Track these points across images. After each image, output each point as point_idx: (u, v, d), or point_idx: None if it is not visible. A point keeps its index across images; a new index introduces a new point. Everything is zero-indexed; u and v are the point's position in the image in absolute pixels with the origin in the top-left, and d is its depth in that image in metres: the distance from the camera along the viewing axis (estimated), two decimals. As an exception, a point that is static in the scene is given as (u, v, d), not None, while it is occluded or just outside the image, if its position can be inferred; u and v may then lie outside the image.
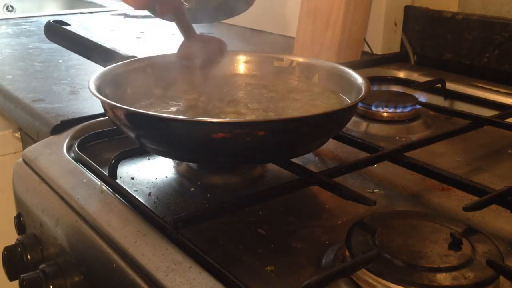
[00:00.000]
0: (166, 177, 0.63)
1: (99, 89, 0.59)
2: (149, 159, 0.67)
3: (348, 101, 0.66)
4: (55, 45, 0.87)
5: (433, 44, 1.06)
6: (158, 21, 1.55)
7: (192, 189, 0.60)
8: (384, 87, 0.97)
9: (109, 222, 0.51)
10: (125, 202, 0.54)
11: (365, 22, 1.06)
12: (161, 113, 0.60)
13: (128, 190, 0.55)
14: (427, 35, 1.07)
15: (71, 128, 0.72)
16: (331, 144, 0.69)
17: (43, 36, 0.84)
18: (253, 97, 0.67)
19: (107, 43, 1.12)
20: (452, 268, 0.41)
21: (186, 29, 0.70)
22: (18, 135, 0.93)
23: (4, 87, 0.89)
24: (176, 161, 0.66)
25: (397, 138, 0.77)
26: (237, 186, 0.61)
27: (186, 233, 0.47)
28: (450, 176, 0.58)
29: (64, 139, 0.69)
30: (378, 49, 1.09)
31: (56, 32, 0.82)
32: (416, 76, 1.00)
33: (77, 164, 0.63)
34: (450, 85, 0.92)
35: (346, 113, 0.58)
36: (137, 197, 0.54)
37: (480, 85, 0.93)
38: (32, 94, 0.85)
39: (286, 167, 0.59)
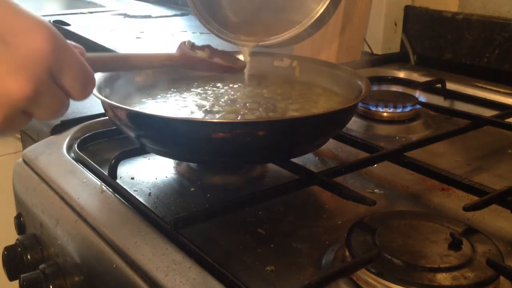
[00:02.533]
0: (166, 177, 0.63)
1: (99, 89, 0.59)
2: (149, 159, 0.67)
3: (348, 101, 0.66)
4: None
5: (433, 44, 1.06)
6: (158, 21, 1.55)
7: (192, 189, 0.60)
8: (384, 87, 0.97)
9: (109, 222, 0.51)
10: (125, 202, 0.54)
11: (365, 22, 1.06)
12: (161, 113, 0.60)
13: (128, 190, 0.55)
14: (427, 35, 1.07)
15: (71, 128, 0.72)
16: (331, 144, 0.69)
17: (43, 36, 0.83)
18: (253, 97, 0.67)
19: (107, 43, 1.12)
20: (452, 268, 0.41)
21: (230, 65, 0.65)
22: (18, 135, 0.93)
23: (4, 87, 0.89)
24: (176, 161, 0.66)
25: (397, 138, 0.77)
26: (237, 186, 0.61)
27: (186, 233, 0.47)
28: (450, 176, 0.58)
29: (64, 139, 0.69)
30: (378, 49, 1.09)
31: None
32: (416, 76, 1.00)
33: (77, 164, 0.63)
34: (450, 85, 0.92)
35: (346, 113, 0.58)
36: (137, 197, 0.54)
37: (480, 85, 0.93)
38: (32, 94, 0.84)
39: (286, 167, 0.59)
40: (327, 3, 0.63)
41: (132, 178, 0.62)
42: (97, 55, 0.50)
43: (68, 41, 0.39)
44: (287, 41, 0.67)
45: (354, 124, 0.80)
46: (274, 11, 0.73)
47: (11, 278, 0.63)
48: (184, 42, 0.61)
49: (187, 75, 0.72)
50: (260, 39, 0.68)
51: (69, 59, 0.38)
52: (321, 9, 0.63)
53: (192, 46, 0.61)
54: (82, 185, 0.58)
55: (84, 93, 0.40)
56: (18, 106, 0.35)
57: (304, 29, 0.64)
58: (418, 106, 0.83)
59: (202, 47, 0.62)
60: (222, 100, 0.66)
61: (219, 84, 0.72)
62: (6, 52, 0.34)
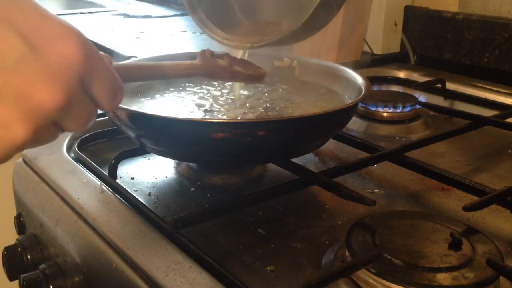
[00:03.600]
0: (166, 177, 0.63)
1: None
2: (149, 159, 0.67)
3: (348, 101, 0.66)
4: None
5: (433, 44, 1.06)
6: (158, 21, 1.55)
7: (192, 189, 0.60)
8: (384, 87, 0.97)
9: (109, 222, 0.51)
10: (125, 202, 0.54)
11: (365, 22, 1.06)
12: (161, 113, 0.60)
13: (128, 190, 0.55)
14: (427, 35, 1.07)
15: (71, 128, 0.72)
16: (331, 144, 0.69)
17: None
18: (253, 97, 0.67)
19: (107, 43, 1.12)
20: (452, 268, 0.41)
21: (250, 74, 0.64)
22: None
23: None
24: (176, 161, 0.66)
25: (397, 138, 0.77)
26: (237, 186, 0.61)
27: (186, 233, 0.47)
28: (450, 176, 0.58)
29: (64, 139, 0.69)
30: (378, 49, 1.09)
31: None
32: (416, 76, 1.00)
33: (77, 164, 0.63)
34: (450, 85, 0.92)
35: (346, 113, 0.58)
36: (137, 197, 0.54)
37: (480, 85, 0.93)
38: (32, 94, 0.84)
39: (286, 167, 0.59)
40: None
41: (132, 178, 0.62)
42: (122, 65, 0.48)
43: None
44: (281, 40, 0.66)
45: (354, 124, 0.80)
46: (273, 10, 0.73)
47: (11, 278, 0.63)
48: (204, 51, 0.61)
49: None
50: (254, 41, 0.68)
51: (99, 68, 0.36)
52: (313, 6, 0.62)
53: (212, 54, 0.61)
54: (82, 185, 0.58)
55: (114, 103, 0.38)
56: (49, 117, 0.33)
57: (297, 28, 0.64)
58: (418, 106, 0.83)
59: (221, 55, 0.62)
60: (221, 99, 0.66)
61: (216, 83, 0.72)
62: (37, 59, 0.32)
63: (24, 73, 0.32)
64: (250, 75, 0.64)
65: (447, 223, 0.48)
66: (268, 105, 0.64)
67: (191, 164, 0.64)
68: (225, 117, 0.61)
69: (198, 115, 0.61)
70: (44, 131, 0.34)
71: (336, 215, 0.55)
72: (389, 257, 0.42)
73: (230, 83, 0.71)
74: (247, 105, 0.64)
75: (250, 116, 0.61)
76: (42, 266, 0.58)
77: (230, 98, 0.67)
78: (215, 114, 0.62)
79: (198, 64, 0.59)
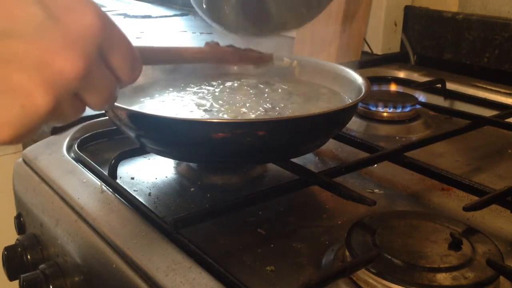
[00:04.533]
0: (166, 177, 0.63)
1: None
2: (149, 159, 0.67)
3: (348, 101, 0.66)
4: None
5: (433, 44, 1.06)
6: (158, 21, 1.55)
7: (192, 189, 0.60)
8: (384, 87, 0.97)
9: (109, 222, 0.51)
10: (125, 202, 0.54)
11: (365, 22, 1.06)
12: (161, 112, 0.60)
13: (128, 190, 0.55)
14: (427, 35, 1.07)
15: (71, 128, 0.72)
16: (331, 144, 0.69)
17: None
18: (253, 97, 0.67)
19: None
20: (452, 268, 0.41)
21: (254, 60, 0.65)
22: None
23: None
24: (176, 161, 0.66)
25: (397, 138, 0.77)
26: (237, 186, 0.61)
27: (186, 233, 0.47)
28: (450, 176, 0.58)
29: (64, 139, 0.69)
30: (378, 49, 1.09)
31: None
32: (416, 76, 1.01)
33: (77, 164, 0.63)
34: (450, 85, 0.92)
35: (346, 113, 0.58)
36: (137, 197, 0.54)
37: (480, 85, 0.93)
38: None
39: (286, 167, 0.59)
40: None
41: (132, 178, 0.62)
42: (136, 46, 0.48)
43: None
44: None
45: (354, 124, 0.80)
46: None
47: (11, 278, 0.63)
48: (208, 42, 0.61)
49: (183, 73, 0.71)
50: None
51: (118, 37, 0.36)
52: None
53: (217, 44, 0.61)
54: (82, 185, 0.58)
55: (133, 75, 0.38)
56: (70, 86, 0.33)
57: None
58: (418, 106, 0.83)
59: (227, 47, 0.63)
60: (221, 99, 0.66)
61: (215, 83, 0.72)
62: (56, 27, 0.32)
63: (44, 41, 0.32)
64: (259, 57, 0.64)
65: (447, 223, 0.48)
66: (268, 105, 0.64)
67: (191, 164, 0.64)
68: (225, 116, 0.61)
69: (198, 114, 0.61)
70: (66, 103, 0.34)
71: (336, 215, 0.55)
72: (389, 257, 0.42)
73: (230, 83, 0.71)
74: (247, 105, 0.64)
75: (250, 116, 0.61)
76: (42, 266, 0.58)
77: (230, 98, 0.67)
78: (215, 114, 0.62)
79: (206, 49, 0.59)
